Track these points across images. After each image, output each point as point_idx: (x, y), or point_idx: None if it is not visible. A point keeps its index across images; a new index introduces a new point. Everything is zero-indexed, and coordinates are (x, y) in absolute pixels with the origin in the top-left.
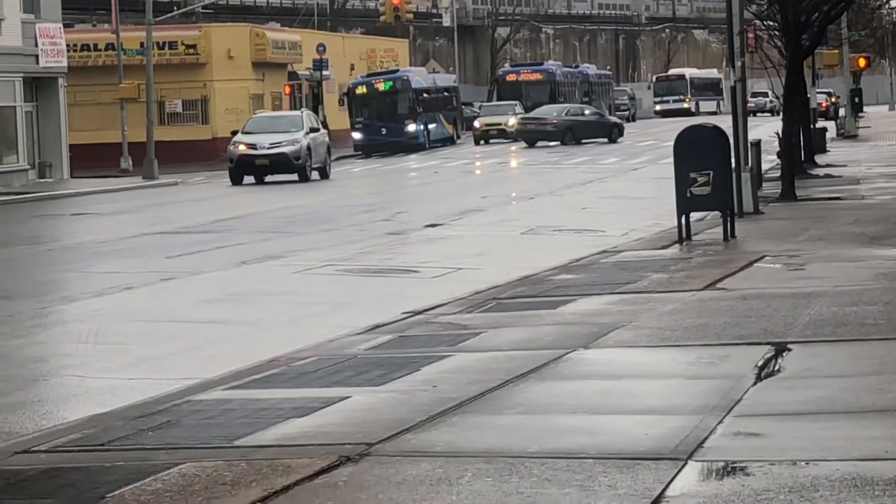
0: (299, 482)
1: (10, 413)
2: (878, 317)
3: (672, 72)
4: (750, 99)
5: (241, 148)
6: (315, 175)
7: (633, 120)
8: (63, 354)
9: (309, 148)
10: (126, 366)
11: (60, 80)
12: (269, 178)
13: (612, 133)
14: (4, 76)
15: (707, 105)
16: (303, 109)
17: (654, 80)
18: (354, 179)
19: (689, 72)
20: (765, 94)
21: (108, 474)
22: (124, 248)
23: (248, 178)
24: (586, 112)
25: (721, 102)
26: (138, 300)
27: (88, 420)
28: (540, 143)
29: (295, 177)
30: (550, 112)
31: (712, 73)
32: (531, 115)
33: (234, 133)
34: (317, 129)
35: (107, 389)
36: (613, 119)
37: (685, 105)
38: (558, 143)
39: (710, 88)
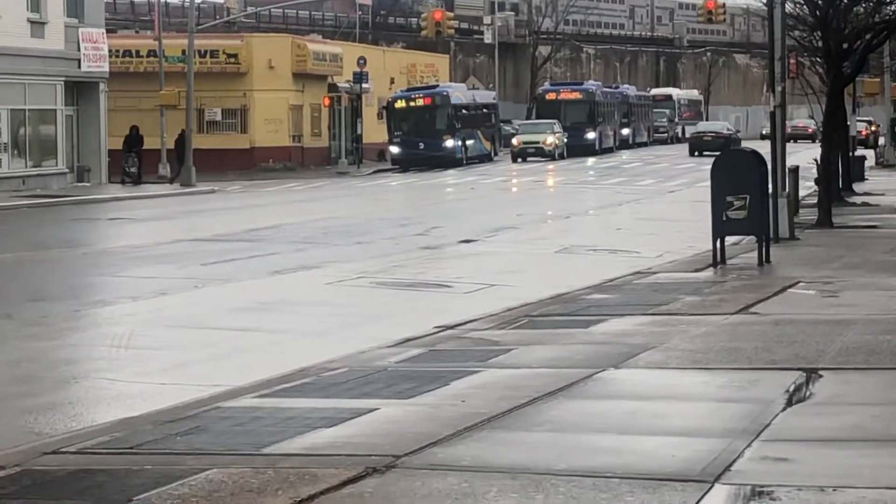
0: (325, 492)
1: (40, 414)
2: None
3: (656, 91)
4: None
5: None
6: None
7: (672, 142)
8: (95, 358)
9: None
10: (157, 371)
11: (101, 85)
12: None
13: None
14: (46, 79)
15: (691, 130)
16: None
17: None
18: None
19: (676, 92)
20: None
21: (136, 477)
22: (160, 254)
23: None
24: None
25: None
26: (172, 306)
27: (118, 423)
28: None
29: None
30: None
31: (693, 93)
32: None
33: None
34: None
35: (137, 393)
36: None
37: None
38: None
39: (693, 111)
